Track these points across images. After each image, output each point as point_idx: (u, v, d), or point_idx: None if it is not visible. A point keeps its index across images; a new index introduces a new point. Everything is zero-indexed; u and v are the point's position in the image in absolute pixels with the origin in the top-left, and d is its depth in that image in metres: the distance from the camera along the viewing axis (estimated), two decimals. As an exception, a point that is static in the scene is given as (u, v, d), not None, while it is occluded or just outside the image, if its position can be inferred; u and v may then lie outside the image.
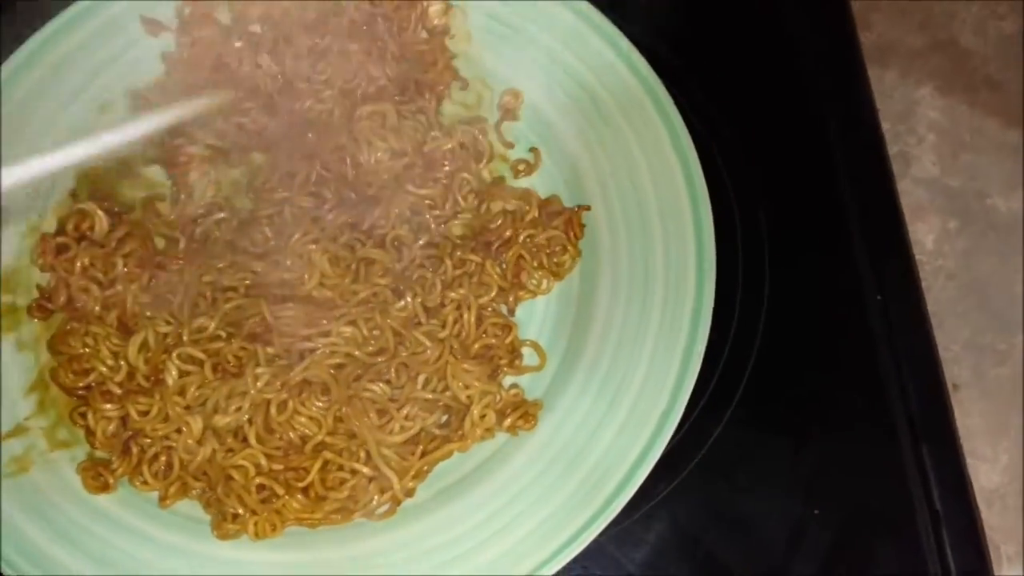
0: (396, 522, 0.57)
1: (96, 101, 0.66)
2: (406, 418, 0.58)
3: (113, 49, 0.67)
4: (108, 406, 0.58)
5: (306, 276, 0.61)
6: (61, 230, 0.63)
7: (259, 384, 0.57)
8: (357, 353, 0.58)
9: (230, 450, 0.57)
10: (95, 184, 0.66)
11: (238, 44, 0.67)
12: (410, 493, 0.57)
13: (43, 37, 0.66)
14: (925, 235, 0.72)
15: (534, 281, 0.63)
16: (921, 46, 0.77)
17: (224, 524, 0.56)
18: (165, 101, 0.66)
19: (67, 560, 0.54)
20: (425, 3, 0.67)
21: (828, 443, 0.62)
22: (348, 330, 0.59)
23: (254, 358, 0.58)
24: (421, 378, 0.58)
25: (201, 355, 0.59)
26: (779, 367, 0.63)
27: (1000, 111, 0.74)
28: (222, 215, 0.64)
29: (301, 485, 0.56)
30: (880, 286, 0.66)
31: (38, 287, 0.62)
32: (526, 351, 0.62)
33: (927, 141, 0.74)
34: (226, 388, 0.57)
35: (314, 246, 0.61)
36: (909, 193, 0.72)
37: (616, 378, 0.58)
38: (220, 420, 0.57)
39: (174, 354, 0.58)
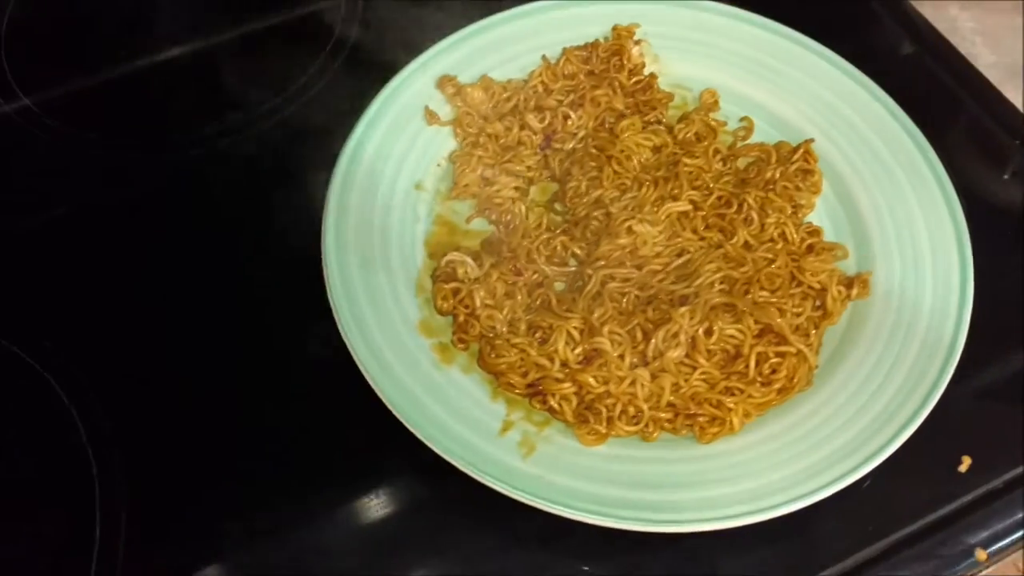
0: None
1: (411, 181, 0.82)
2: (795, 307, 0.75)
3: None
4: (565, 385, 0.71)
5: (639, 242, 0.77)
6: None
7: (684, 321, 0.72)
8: (736, 274, 0.75)
9: (686, 378, 0.71)
10: (439, 247, 0.79)
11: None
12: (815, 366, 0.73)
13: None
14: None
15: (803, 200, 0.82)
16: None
17: (707, 431, 0.70)
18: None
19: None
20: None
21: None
22: (713, 265, 0.76)
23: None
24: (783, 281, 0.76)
25: (619, 330, 0.73)
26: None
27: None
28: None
29: (751, 379, 0.71)
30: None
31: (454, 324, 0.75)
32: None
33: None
34: (661, 332, 0.72)
35: (633, 221, 0.78)
36: None
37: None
38: (669, 356, 0.71)
39: (605, 329, 0.72)
